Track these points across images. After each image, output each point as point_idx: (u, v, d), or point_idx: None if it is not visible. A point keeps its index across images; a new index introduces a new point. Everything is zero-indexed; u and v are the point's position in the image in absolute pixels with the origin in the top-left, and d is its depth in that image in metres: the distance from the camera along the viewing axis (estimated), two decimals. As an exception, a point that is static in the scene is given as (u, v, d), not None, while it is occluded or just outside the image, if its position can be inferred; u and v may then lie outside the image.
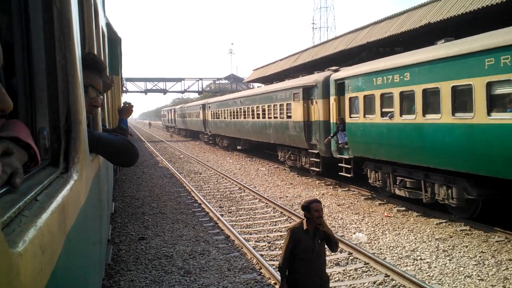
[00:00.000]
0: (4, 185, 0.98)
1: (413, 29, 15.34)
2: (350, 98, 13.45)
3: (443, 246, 8.36)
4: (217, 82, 57.30)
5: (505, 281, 6.63)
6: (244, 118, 25.10)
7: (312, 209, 4.45)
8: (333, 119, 14.61)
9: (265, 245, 8.80)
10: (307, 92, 16.55)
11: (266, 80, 33.59)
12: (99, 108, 3.08)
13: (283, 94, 19.02)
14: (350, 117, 13.43)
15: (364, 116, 12.57)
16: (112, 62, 9.99)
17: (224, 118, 30.39)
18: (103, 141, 2.38)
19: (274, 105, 20.11)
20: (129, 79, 51.11)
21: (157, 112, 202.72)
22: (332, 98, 14.65)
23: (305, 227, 4.51)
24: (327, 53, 22.17)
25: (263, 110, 21.78)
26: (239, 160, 24.94)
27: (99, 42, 4.11)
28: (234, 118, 27.60)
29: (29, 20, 1.49)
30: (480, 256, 7.76)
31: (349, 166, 13.92)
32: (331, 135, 14.36)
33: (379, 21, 18.72)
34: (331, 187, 15.12)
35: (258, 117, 22.62)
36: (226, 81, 57.10)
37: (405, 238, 9.02)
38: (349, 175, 14.05)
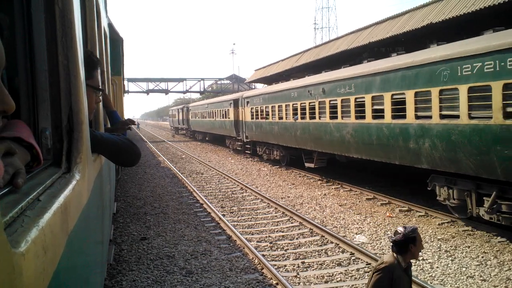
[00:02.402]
0: (7, 185, 0.99)
1: (415, 29, 15.31)
2: None
3: (445, 247, 8.34)
4: (218, 82, 57.30)
5: (507, 282, 6.61)
6: (333, 118, 14.45)
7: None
8: None
9: (267, 245, 8.79)
10: None
11: (268, 80, 33.56)
12: (101, 108, 3.08)
13: None
14: None
15: None
16: (114, 63, 10.00)
17: (280, 118, 19.61)
18: (105, 141, 2.38)
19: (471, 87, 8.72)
20: (131, 80, 51.15)
21: (159, 112, 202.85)
22: None
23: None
24: (329, 53, 22.14)
25: (421, 101, 10.15)
26: (241, 161, 24.92)
27: (101, 42, 4.11)
28: (307, 118, 16.59)
29: (31, 21, 1.50)
30: (482, 257, 7.74)
31: None
32: None
33: (381, 21, 18.70)
34: (333, 187, 15.10)
35: (381, 116, 11.72)
36: (228, 81, 57.10)
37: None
38: None
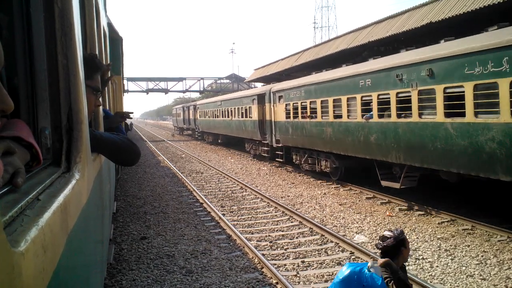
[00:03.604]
0: (6, 185, 0.99)
1: (415, 29, 15.32)
2: None
3: (445, 246, 8.35)
4: (218, 81, 57.34)
5: (507, 281, 6.62)
6: (454, 116, 9.49)
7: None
8: None
9: (267, 245, 8.80)
10: None
11: (267, 79, 33.58)
12: (101, 108, 3.08)
13: None
14: None
15: None
16: (113, 62, 10.00)
17: (337, 117, 14.30)
18: (105, 140, 2.38)
19: None
20: (131, 79, 51.16)
21: (159, 112, 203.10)
22: None
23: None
24: (329, 53, 22.15)
25: None
26: (240, 160, 24.93)
27: (100, 42, 4.11)
28: (392, 117, 11.33)
29: (30, 20, 1.50)
30: (482, 256, 7.75)
31: None
32: None
33: (381, 21, 18.71)
34: (333, 186, 15.11)
35: None
36: (228, 81, 57.14)
37: (407, 237, 8.99)
38: None
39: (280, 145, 19.87)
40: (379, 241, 3.45)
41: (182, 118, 52.91)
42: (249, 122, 24.44)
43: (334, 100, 14.40)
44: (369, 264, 3.21)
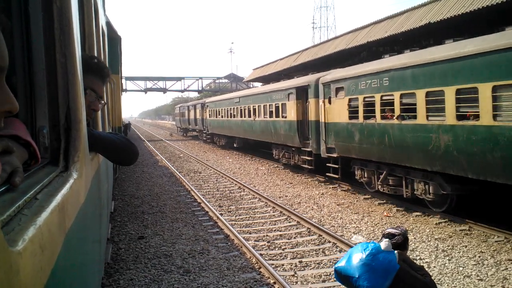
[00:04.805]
0: (4, 184, 0.98)
1: (414, 29, 15.35)
2: None
3: (442, 246, 8.37)
4: (217, 81, 57.35)
5: (504, 281, 6.64)
6: None
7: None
8: None
9: (265, 245, 8.80)
10: None
11: (266, 79, 33.60)
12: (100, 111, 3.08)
13: None
14: None
15: None
16: (112, 61, 9.99)
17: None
18: (103, 139, 2.37)
19: None
20: (129, 78, 51.08)
21: (157, 111, 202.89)
22: None
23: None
24: (327, 53, 22.17)
25: None
26: (238, 160, 24.92)
27: (99, 41, 4.11)
28: None
29: (29, 19, 1.49)
30: (479, 256, 7.77)
31: None
32: None
33: (379, 21, 18.74)
34: (331, 186, 15.11)
35: None
36: (226, 80, 57.16)
37: (405, 238, 9.00)
38: None
39: (334, 155, 14.50)
40: (386, 239, 3.46)
41: (187, 118, 47.28)
42: (282, 123, 19.14)
43: (458, 91, 9.06)
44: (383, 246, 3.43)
